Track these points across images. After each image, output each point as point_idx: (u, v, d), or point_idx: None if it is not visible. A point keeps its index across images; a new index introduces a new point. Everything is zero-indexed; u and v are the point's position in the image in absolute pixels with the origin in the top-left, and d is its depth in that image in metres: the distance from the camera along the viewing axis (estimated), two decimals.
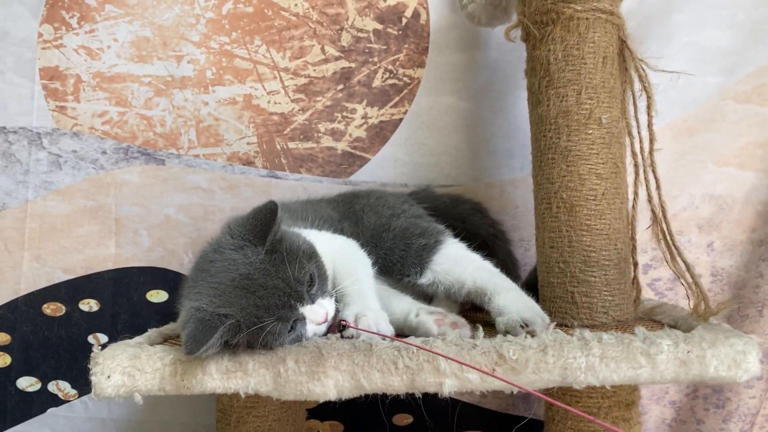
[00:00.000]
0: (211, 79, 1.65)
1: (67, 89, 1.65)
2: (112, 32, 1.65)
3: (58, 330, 1.65)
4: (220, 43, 1.65)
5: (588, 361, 0.96)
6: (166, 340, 1.20)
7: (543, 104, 1.22)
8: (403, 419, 1.63)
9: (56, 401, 1.66)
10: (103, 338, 1.65)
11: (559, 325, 1.12)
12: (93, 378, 1.02)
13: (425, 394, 0.98)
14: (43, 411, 1.66)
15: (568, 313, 1.20)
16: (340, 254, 1.16)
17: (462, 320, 1.10)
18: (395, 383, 0.97)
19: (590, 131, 1.18)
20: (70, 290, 1.65)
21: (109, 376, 1.02)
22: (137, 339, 1.14)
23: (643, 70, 1.23)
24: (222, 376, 1.01)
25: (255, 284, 0.99)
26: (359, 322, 1.04)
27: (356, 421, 1.64)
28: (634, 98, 1.25)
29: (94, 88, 1.65)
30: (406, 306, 1.15)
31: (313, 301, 1.03)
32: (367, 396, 1.00)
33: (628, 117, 1.25)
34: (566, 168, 1.19)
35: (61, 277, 1.65)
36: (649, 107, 1.22)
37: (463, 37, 1.62)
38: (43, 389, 1.66)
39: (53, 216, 1.65)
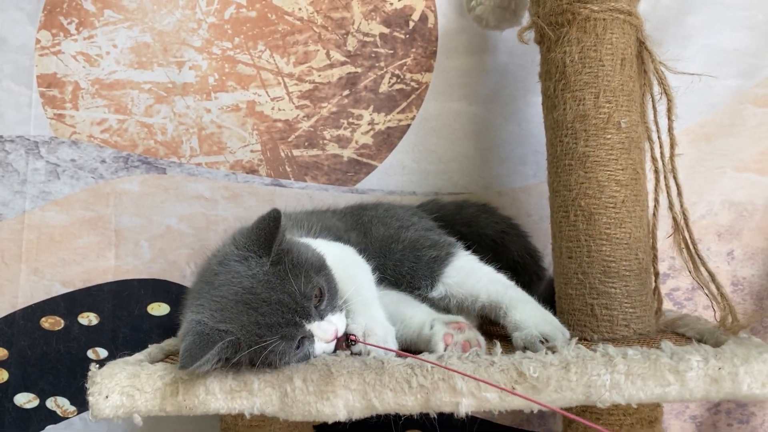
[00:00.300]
0: (214, 86, 1.61)
1: (66, 97, 1.61)
2: (111, 38, 1.61)
3: (56, 344, 1.60)
4: (222, 48, 1.60)
5: (613, 378, 0.91)
6: (167, 356, 1.16)
7: (559, 108, 1.17)
8: None
9: (55, 418, 1.61)
10: (103, 353, 1.60)
11: (579, 339, 1.07)
12: (90, 398, 0.98)
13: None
14: (42, 428, 1.61)
15: (588, 327, 1.15)
16: (339, 261, 1.11)
17: (477, 338, 1.02)
18: (409, 403, 0.93)
19: (609, 136, 1.14)
20: (68, 303, 1.60)
21: (107, 396, 0.98)
22: (137, 356, 1.10)
23: (662, 72, 1.19)
24: (226, 396, 0.97)
25: (257, 299, 0.94)
26: (368, 339, 0.99)
27: None
28: (653, 101, 1.20)
29: (93, 95, 1.61)
30: (422, 316, 1.09)
31: (321, 318, 0.98)
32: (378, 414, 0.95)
33: (647, 121, 1.21)
34: (584, 174, 1.14)
35: (60, 290, 1.60)
36: (669, 111, 1.18)
37: (472, 41, 1.58)
38: (41, 406, 1.61)
39: (51, 227, 1.60)
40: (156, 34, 1.61)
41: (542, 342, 1.01)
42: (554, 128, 1.19)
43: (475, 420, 1.54)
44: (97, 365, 1.01)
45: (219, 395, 0.96)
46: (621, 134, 1.14)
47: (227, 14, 1.60)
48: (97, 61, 1.61)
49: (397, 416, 0.96)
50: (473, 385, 0.92)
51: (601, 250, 1.13)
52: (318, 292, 0.98)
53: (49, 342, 1.60)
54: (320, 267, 1.01)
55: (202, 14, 1.61)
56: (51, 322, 1.60)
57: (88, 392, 0.98)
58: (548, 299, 1.19)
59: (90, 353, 1.60)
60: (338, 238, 1.22)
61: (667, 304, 1.51)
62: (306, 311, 0.95)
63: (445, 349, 1.00)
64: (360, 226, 1.31)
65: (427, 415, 0.95)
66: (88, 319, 1.60)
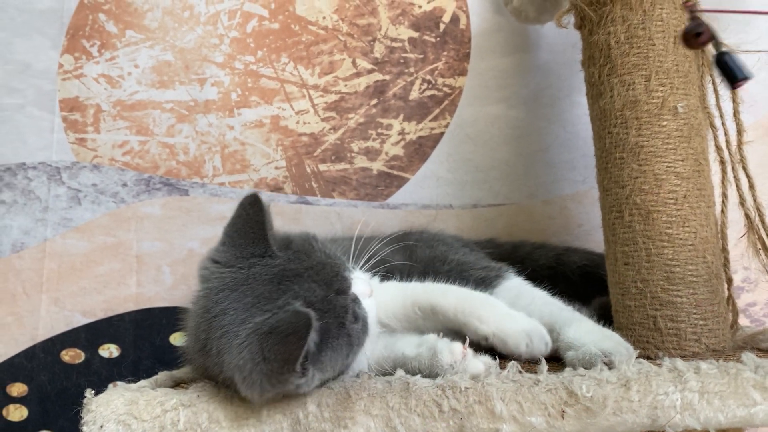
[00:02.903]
0: (236, 102, 1.53)
1: (87, 120, 1.56)
2: (132, 58, 1.56)
3: (77, 378, 1.51)
4: (244, 62, 1.53)
5: (684, 397, 0.77)
6: (177, 384, 1.05)
7: (606, 96, 1.05)
8: None
9: None
10: None
11: (641, 357, 0.92)
12: (84, 428, 0.91)
13: None
14: None
15: (651, 342, 0.99)
16: None
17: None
18: (440, 430, 0.80)
19: (664, 123, 1.00)
20: (89, 335, 1.52)
21: (101, 426, 0.90)
22: (141, 382, 1.02)
23: None
24: (231, 424, 0.86)
25: (298, 270, 0.86)
26: None
27: None
28: (714, 83, 1.06)
29: (114, 117, 1.55)
30: (414, 337, 0.98)
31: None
32: None
33: (708, 105, 1.06)
34: (638, 168, 1.01)
35: (80, 320, 1.52)
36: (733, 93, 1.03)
37: (509, 40, 1.47)
38: None
39: (72, 255, 1.53)
40: (177, 52, 1.55)
41: (603, 361, 0.87)
42: (601, 119, 1.06)
43: None
44: (93, 392, 0.92)
45: (224, 423, 0.86)
46: (678, 120, 1.00)
47: (249, 27, 1.54)
48: (118, 82, 1.56)
49: None
50: (515, 409, 0.78)
51: (663, 254, 0.99)
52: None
53: (69, 376, 1.52)
54: (317, 238, 0.95)
55: (224, 29, 1.54)
56: (71, 355, 1.52)
57: (82, 422, 0.90)
58: (604, 316, 1.04)
59: (111, 387, 1.51)
60: (383, 262, 1.11)
61: (743, 321, 1.34)
62: (343, 261, 0.91)
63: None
64: (405, 249, 1.21)
65: None
66: (109, 351, 1.52)
